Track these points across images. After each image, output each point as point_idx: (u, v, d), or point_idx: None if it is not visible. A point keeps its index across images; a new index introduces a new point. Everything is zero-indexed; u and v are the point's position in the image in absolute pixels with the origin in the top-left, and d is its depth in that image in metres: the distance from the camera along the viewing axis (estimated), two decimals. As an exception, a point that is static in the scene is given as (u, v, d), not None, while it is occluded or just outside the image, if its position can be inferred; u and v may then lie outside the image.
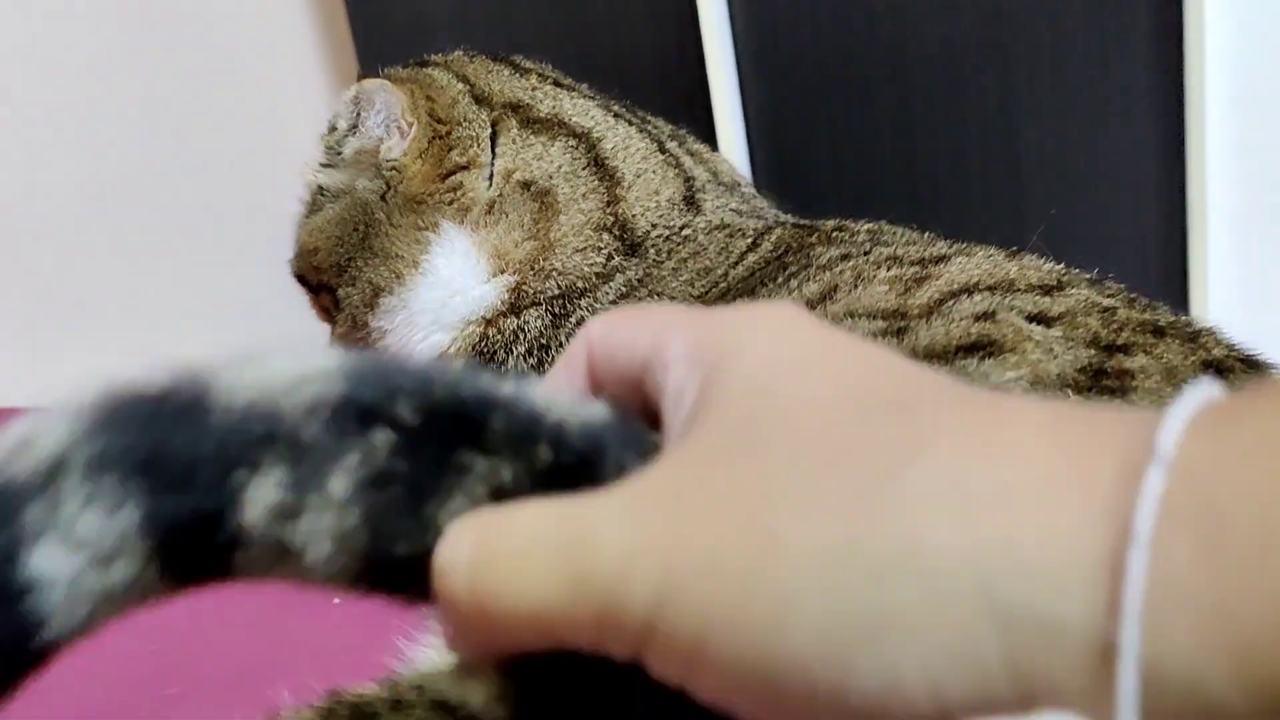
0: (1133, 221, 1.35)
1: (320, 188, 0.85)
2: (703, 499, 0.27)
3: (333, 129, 0.85)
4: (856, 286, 0.64)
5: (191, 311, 1.81)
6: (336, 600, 0.93)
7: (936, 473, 0.25)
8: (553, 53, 1.61)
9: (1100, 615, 0.23)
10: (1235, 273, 1.36)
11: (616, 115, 0.88)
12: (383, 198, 0.82)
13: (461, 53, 0.92)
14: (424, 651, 0.63)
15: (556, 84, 0.90)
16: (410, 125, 0.81)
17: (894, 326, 0.58)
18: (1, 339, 1.63)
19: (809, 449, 0.27)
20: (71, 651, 0.88)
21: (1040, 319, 0.57)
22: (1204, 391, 0.25)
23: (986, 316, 0.57)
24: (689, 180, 0.87)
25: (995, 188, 1.40)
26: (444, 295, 0.81)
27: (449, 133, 0.83)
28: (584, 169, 0.83)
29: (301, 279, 0.89)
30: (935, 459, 0.26)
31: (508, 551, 0.29)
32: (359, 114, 0.82)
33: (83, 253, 1.71)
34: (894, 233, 0.79)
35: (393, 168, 0.81)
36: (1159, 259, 1.37)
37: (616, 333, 0.34)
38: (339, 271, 0.83)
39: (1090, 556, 0.23)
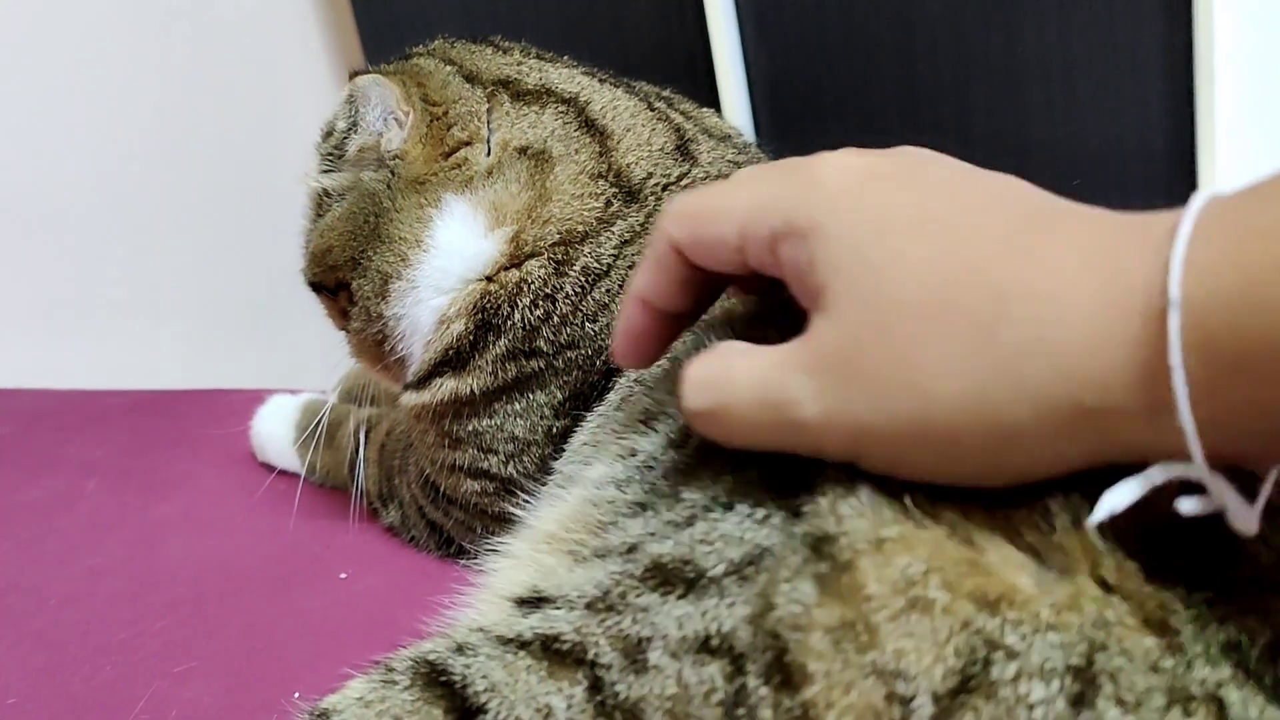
0: (1143, 174, 1.34)
1: (324, 192, 0.85)
2: (866, 372, 0.41)
3: (328, 133, 0.85)
4: None
5: (194, 302, 1.81)
6: (343, 575, 0.93)
7: (1021, 332, 0.38)
8: (554, 19, 1.60)
9: (1146, 389, 0.37)
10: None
11: (601, 80, 0.90)
12: (388, 186, 0.82)
13: (442, 40, 0.93)
14: (469, 602, 0.63)
15: (539, 57, 0.91)
16: (407, 114, 0.82)
17: None
18: (7, 322, 1.62)
19: (925, 326, 0.40)
20: (79, 629, 0.88)
21: None
22: (1202, 199, 0.38)
23: None
24: (679, 131, 0.88)
25: (1001, 146, 1.38)
26: (444, 261, 0.81)
27: (446, 113, 0.83)
28: (575, 130, 0.84)
29: (316, 286, 0.89)
30: (1017, 322, 0.39)
31: (734, 408, 0.45)
32: (357, 111, 0.82)
33: (89, 241, 1.70)
34: None
35: (395, 157, 0.82)
36: (1169, 195, 1.36)
37: (701, 232, 0.48)
38: (353, 265, 0.83)
39: (1134, 366, 0.37)
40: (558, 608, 0.52)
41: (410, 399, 0.86)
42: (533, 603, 0.54)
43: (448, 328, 0.82)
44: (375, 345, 0.86)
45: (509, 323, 0.80)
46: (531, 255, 0.80)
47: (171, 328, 1.78)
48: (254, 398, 1.19)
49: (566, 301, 0.80)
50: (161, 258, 1.77)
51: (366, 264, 0.82)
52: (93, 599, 0.94)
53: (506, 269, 0.80)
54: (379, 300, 0.83)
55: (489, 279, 0.81)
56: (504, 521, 0.73)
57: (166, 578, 0.97)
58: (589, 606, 0.50)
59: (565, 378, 0.80)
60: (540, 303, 0.80)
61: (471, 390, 0.82)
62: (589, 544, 0.57)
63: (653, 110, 0.89)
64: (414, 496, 0.92)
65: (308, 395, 1.14)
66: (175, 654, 0.84)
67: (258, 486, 1.09)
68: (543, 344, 0.80)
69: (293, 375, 1.24)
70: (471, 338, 0.81)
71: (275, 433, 1.12)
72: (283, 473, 1.10)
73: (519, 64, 0.89)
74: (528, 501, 0.69)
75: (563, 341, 0.80)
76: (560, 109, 0.85)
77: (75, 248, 1.69)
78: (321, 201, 0.86)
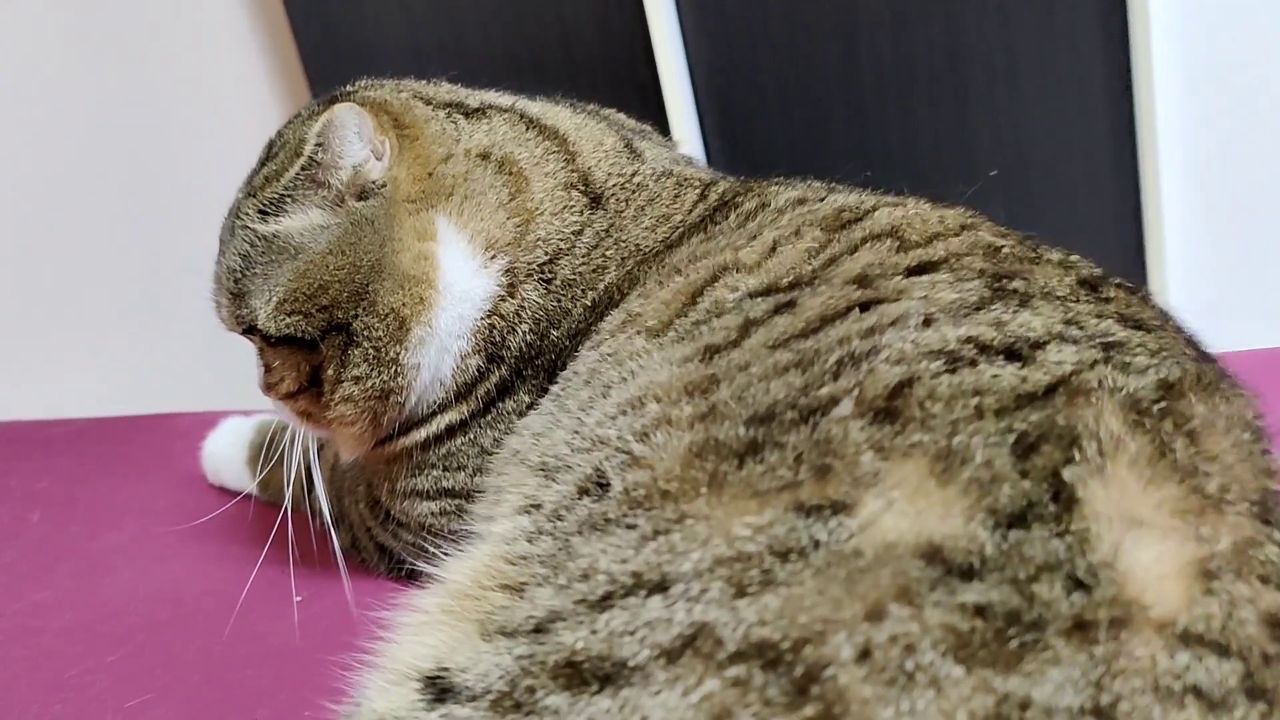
0: (1085, 166, 1.35)
1: (275, 235, 0.79)
2: None
3: (277, 175, 0.80)
4: (796, 237, 0.72)
5: (137, 328, 1.78)
6: (299, 598, 0.91)
7: None
8: (496, 20, 1.59)
9: None
10: (1188, 236, 1.36)
11: (528, 97, 0.92)
12: (385, 213, 0.80)
13: (369, 79, 0.91)
14: (370, 677, 0.60)
15: (465, 87, 0.93)
16: (383, 142, 0.80)
17: (784, 301, 0.64)
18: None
19: None
20: (27, 667, 0.85)
21: (919, 270, 0.64)
22: None
23: (862, 281, 0.64)
24: (621, 129, 0.91)
25: (944, 136, 1.39)
26: (461, 309, 0.81)
27: (420, 135, 0.83)
28: (526, 130, 0.86)
29: (286, 339, 0.80)
30: None
31: None
32: (333, 142, 0.78)
33: (24, 269, 1.67)
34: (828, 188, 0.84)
35: (383, 184, 0.80)
36: (1111, 192, 1.37)
37: None
38: (356, 301, 0.78)
39: None
40: (462, 703, 0.50)
41: (398, 444, 0.84)
42: (438, 687, 0.53)
43: (466, 365, 0.81)
44: (375, 399, 0.80)
45: (509, 351, 0.81)
46: (525, 279, 0.81)
47: (115, 354, 1.74)
48: (203, 421, 1.16)
49: (547, 317, 0.81)
50: (100, 284, 1.74)
51: (374, 299, 0.78)
52: (41, 635, 0.92)
53: (504, 299, 0.81)
54: (394, 345, 0.79)
55: (491, 312, 0.81)
56: (454, 541, 0.71)
57: (117, 609, 0.94)
58: (494, 706, 0.49)
59: (532, 382, 0.81)
60: (538, 326, 0.81)
61: (462, 417, 0.82)
62: (498, 614, 0.55)
63: (586, 113, 0.91)
64: (362, 518, 0.90)
65: (262, 416, 1.11)
66: (129, 688, 0.82)
67: (209, 510, 1.06)
68: (525, 361, 0.81)
69: (241, 398, 1.22)
70: (480, 371, 0.82)
71: (228, 454, 1.10)
72: (235, 494, 1.07)
73: (453, 91, 0.90)
74: (439, 557, 0.67)
75: (535, 352, 0.81)
76: (505, 116, 0.87)
77: (9, 276, 1.65)
78: (279, 245, 0.79)
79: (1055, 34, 1.31)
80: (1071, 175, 1.37)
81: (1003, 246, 0.68)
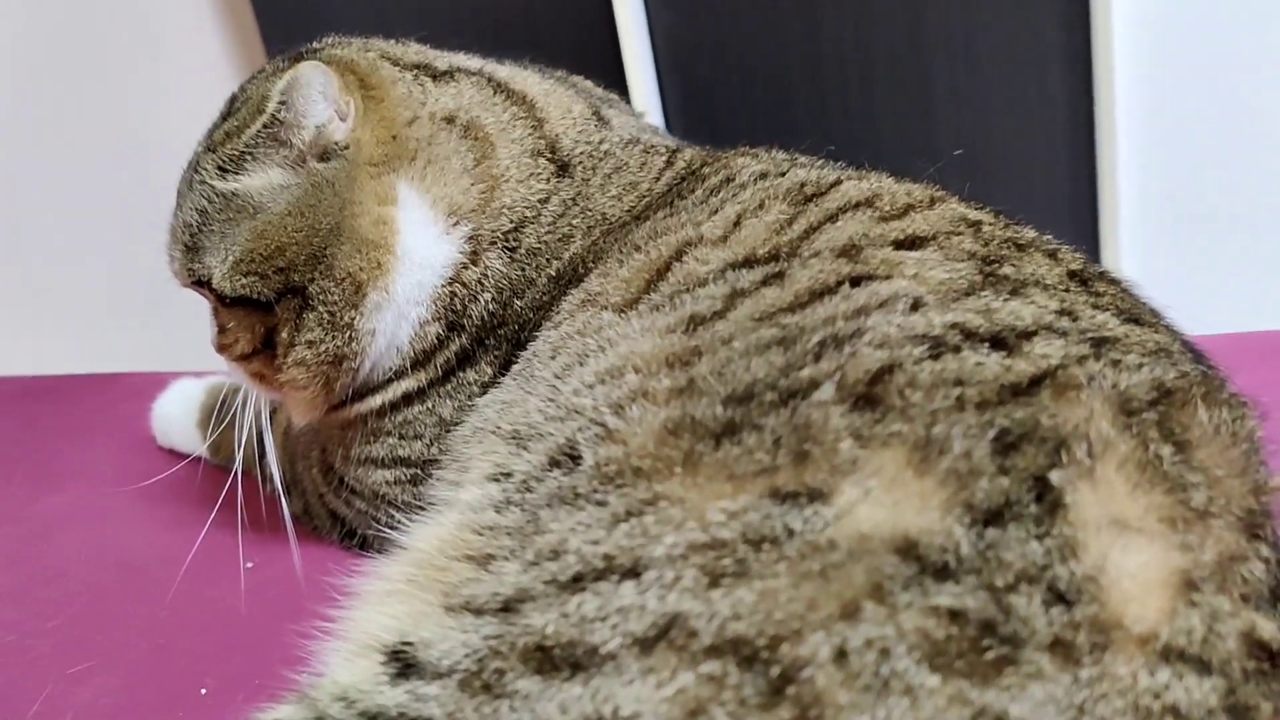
0: (1044, 155, 1.36)
1: (233, 193, 0.78)
2: None
3: (238, 131, 0.78)
4: (761, 209, 0.71)
5: (87, 284, 1.74)
6: (249, 564, 0.89)
7: None
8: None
9: None
10: (1140, 210, 1.37)
11: (497, 60, 0.91)
12: (345, 175, 0.78)
13: (335, 36, 0.89)
14: (332, 646, 0.60)
15: (433, 48, 0.91)
16: (348, 103, 0.79)
17: (773, 272, 0.63)
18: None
19: None
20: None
21: (908, 244, 0.63)
22: None
23: (850, 253, 0.63)
24: (589, 96, 0.90)
25: (904, 116, 1.39)
26: (420, 275, 0.79)
27: (385, 97, 0.81)
28: (494, 95, 0.84)
29: (241, 300, 0.79)
30: None
31: None
32: (297, 101, 0.76)
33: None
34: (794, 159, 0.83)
35: (345, 145, 0.78)
36: (1067, 173, 1.38)
37: None
38: (313, 264, 0.77)
39: None
40: (427, 679, 0.50)
41: (353, 410, 0.82)
42: (402, 661, 0.52)
43: (425, 332, 0.80)
44: (328, 363, 0.79)
45: (470, 320, 0.80)
46: (488, 247, 0.80)
47: (63, 311, 1.71)
48: (153, 380, 1.14)
49: (510, 286, 0.80)
50: (47, 238, 1.70)
51: (331, 263, 0.77)
52: (-21, 599, 0.90)
53: (466, 267, 0.80)
54: (350, 310, 0.77)
55: (452, 280, 0.80)
56: (407, 510, 0.71)
57: (59, 573, 0.92)
58: (462, 685, 0.48)
59: (495, 353, 0.80)
60: (500, 295, 0.80)
61: (420, 385, 0.81)
62: (463, 586, 0.55)
63: (555, 79, 0.90)
64: (315, 484, 0.89)
65: (214, 378, 1.09)
66: (71, 654, 0.80)
67: (157, 473, 1.04)
68: (486, 330, 0.80)
69: (193, 359, 1.20)
70: (440, 339, 0.80)
71: (178, 415, 1.08)
72: (185, 457, 1.06)
73: (421, 52, 0.88)
74: (403, 524, 0.67)
75: (498, 321, 0.80)
76: (473, 79, 0.85)
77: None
78: (237, 204, 0.78)
79: (1015, 13, 1.31)
80: (1029, 156, 1.38)
81: (982, 222, 0.67)
